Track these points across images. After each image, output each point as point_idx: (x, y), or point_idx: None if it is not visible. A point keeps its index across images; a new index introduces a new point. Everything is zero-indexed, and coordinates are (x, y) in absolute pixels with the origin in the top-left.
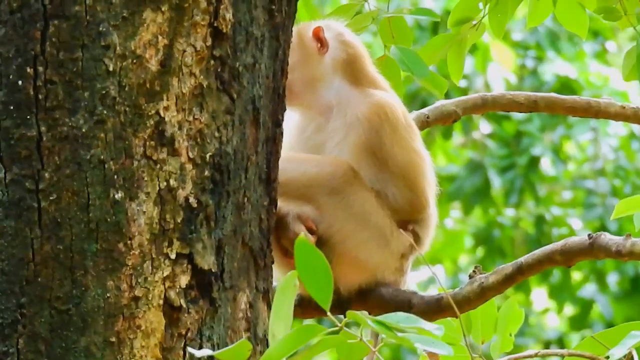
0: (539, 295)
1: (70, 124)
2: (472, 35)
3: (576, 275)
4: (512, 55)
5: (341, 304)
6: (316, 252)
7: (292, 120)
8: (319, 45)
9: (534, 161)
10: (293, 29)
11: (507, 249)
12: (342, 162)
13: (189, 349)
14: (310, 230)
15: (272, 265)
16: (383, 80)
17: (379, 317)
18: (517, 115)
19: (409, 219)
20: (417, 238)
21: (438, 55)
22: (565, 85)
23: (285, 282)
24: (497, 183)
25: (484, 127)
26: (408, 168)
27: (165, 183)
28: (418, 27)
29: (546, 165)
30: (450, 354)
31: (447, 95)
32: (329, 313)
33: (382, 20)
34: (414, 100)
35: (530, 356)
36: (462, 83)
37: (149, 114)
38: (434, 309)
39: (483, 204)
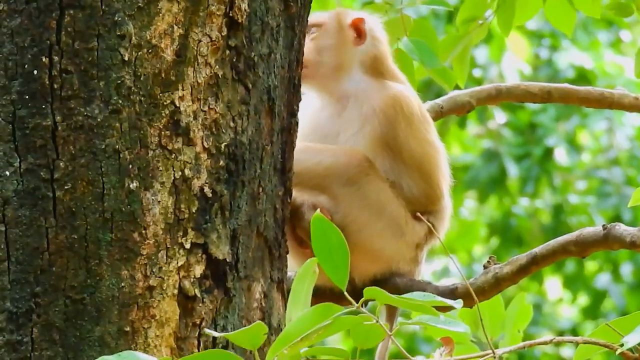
0: (553, 284)
1: (85, 113)
2: (477, 34)
3: (590, 265)
4: (527, 44)
5: (356, 294)
6: (333, 227)
7: (304, 103)
8: (356, 36)
9: (549, 151)
10: (332, 12)
11: (524, 239)
12: (357, 152)
13: (206, 330)
14: None
15: (287, 256)
16: (402, 75)
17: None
18: (531, 106)
19: (423, 210)
20: (433, 228)
21: (448, 55)
22: (581, 75)
23: (304, 269)
24: (513, 171)
25: (499, 116)
26: (423, 160)
27: (180, 173)
28: (434, 16)
29: (560, 155)
30: (467, 331)
31: (459, 87)
32: (345, 292)
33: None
34: (429, 89)
35: (546, 343)
36: (477, 73)
37: (164, 103)
38: (448, 299)
39: (498, 193)
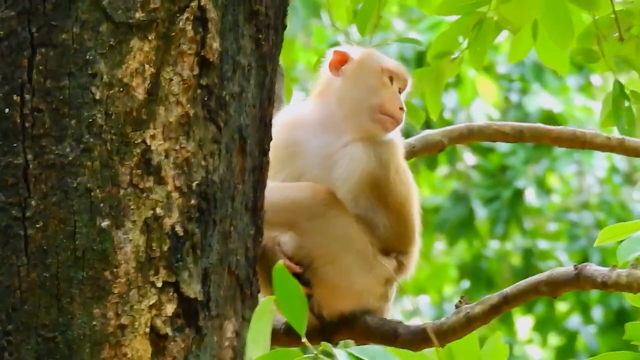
0: (523, 325)
1: (57, 151)
2: (450, 69)
3: (561, 307)
4: (496, 89)
5: (327, 332)
6: (291, 279)
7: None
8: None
9: (519, 194)
10: (367, 53)
11: (494, 281)
12: (321, 187)
13: None
14: (290, 258)
15: (259, 294)
16: None
17: (355, 349)
18: (501, 148)
19: (393, 249)
20: (401, 265)
21: (418, 88)
22: (550, 119)
23: (261, 307)
24: (481, 214)
25: (469, 158)
26: (405, 204)
27: (151, 211)
28: (402, 59)
29: (531, 197)
30: None
31: (431, 127)
32: (304, 338)
33: None
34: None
35: None
36: (446, 115)
37: (136, 142)
38: (420, 339)
39: (468, 236)
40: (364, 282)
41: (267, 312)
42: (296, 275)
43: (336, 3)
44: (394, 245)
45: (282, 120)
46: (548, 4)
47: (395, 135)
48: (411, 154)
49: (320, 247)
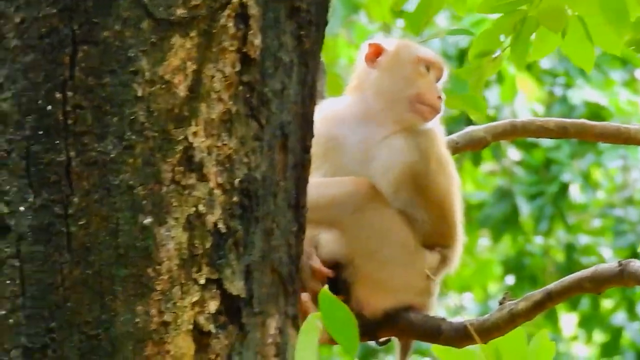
0: (568, 321)
1: (99, 149)
2: (490, 68)
3: (606, 303)
4: (537, 86)
5: (370, 329)
6: (339, 303)
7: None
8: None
9: (564, 189)
10: (403, 44)
11: (537, 277)
12: (362, 180)
13: None
14: (324, 261)
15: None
16: None
17: None
18: (545, 143)
19: (435, 244)
20: (445, 258)
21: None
22: (595, 112)
23: (307, 325)
24: (525, 210)
25: (513, 154)
26: (447, 196)
27: (194, 208)
28: (444, 56)
29: (575, 193)
30: None
31: (474, 124)
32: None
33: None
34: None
35: None
36: (490, 112)
37: (178, 139)
38: (463, 336)
39: (512, 231)
40: (406, 278)
41: (313, 328)
42: (333, 278)
43: (375, 2)
44: (436, 239)
45: (319, 116)
46: None
47: (435, 125)
48: (454, 150)
49: (361, 242)
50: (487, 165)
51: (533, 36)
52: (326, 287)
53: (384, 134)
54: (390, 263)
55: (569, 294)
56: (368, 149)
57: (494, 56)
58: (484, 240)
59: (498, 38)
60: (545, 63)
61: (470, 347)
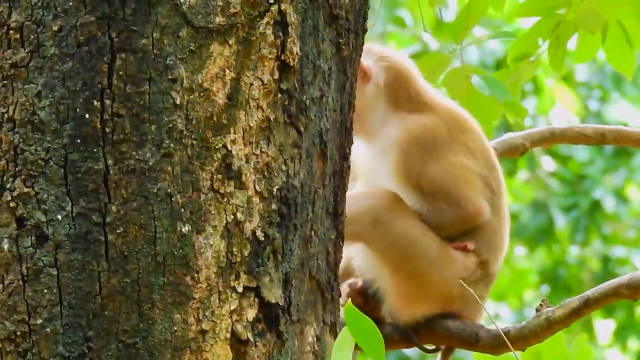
0: (603, 329)
1: (137, 157)
2: (527, 71)
3: None
4: (575, 97)
5: (409, 337)
6: (363, 317)
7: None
8: (362, 74)
9: (596, 204)
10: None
11: (573, 287)
12: (382, 191)
13: None
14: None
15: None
16: (433, 96)
17: None
18: (579, 157)
19: (461, 232)
20: (480, 258)
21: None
22: None
23: (341, 339)
24: (560, 222)
25: (547, 164)
26: (446, 184)
27: (232, 216)
28: (482, 65)
29: (610, 204)
30: None
31: (511, 130)
32: None
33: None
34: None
35: None
36: (527, 122)
37: (216, 147)
38: (500, 343)
39: (547, 242)
40: (436, 284)
41: (348, 342)
42: (365, 289)
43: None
44: (455, 228)
45: None
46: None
47: (419, 119)
48: None
49: (386, 255)
50: (522, 174)
51: (573, 41)
52: (350, 300)
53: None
54: (418, 273)
55: (606, 301)
56: (374, 156)
57: (531, 59)
58: (520, 250)
59: (536, 41)
60: (580, 75)
61: (513, 354)
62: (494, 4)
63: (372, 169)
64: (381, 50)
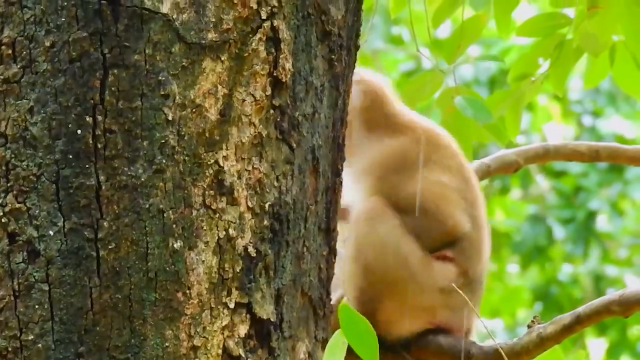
0: (596, 347)
1: (129, 173)
2: (530, 90)
3: (634, 330)
4: (566, 118)
5: (400, 353)
6: (359, 316)
7: None
8: None
9: (592, 216)
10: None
11: (565, 306)
12: (367, 204)
13: None
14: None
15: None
16: (408, 117)
17: None
18: (574, 169)
19: (440, 245)
20: (460, 268)
21: (497, 111)
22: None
23: (333, 341)
24: (559, 234)
25: (542, 182)
26: (423, 201)
27: (224, 232)
28: (476, 82)
29: (602, 221)
30: None
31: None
32: None
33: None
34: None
35: None
36: (520, 139)
37: (208, 163)
38: (493, 359)
39: (540, 260)
40: (420, 298)
41: (339, 344)
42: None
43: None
44: (436, 239)
45: None
46: (632, 19)
47: (390, 142)
48: (487, 173)
49: (370, 270)
50: (516, 193)
51: (583, 63)
52: (345, 299)
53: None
54: (402, 288)
55: (597, 318)
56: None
57: (533, 79)
58: (513, 267)
59: (537, 61)
60: (574, 94)
61: None
62: (499, 26)
63: (349, 190)
64: (360, 73)
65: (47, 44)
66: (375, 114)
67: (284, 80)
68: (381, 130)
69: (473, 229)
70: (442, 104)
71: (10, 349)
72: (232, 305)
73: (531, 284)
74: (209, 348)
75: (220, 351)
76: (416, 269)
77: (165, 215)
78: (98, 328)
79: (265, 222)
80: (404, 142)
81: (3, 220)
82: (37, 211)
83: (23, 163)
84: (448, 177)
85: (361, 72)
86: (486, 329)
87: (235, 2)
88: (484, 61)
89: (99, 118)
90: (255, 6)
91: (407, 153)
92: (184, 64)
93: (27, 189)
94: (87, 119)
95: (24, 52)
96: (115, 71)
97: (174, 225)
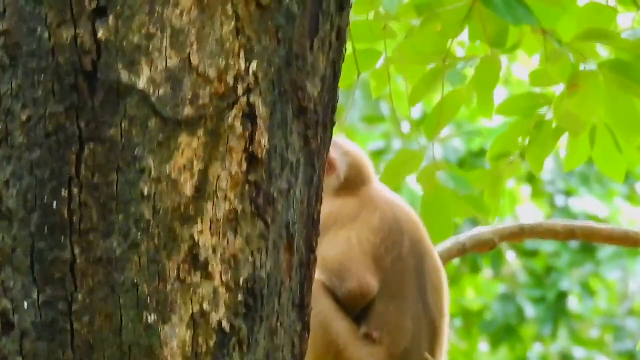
0: None
1: (104, 246)
2: (509, 170)
3: None
4: (538, 200)
5: None
6: None
7: None
8: (327, 166)
9: (562, 296)
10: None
11: None
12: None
13: None
14: None
15: None
16: (375, 188)
17: None
18: (546, 249)
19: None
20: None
21: (476, 190)
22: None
23: None
24: (530, 313)
25: (514, 262)
26: (336, 260)
27: (198, 307)
28: (446, 162)
29: (574, 302)
30: None
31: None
32: None
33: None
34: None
35: None
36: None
37: (183, 237)
38: None
39: (510, 339)
40: None
41: None
42: None
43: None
44: (351, 304)
45: None
46: (612, 100)
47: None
48: (462, 251)
49: (311, 352)
50: (487, 272)
51: (563, 145)
52: None
53: None
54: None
55: None
56: None
57: (511, 159)
58: (483, 346)
59: (516, 141)
60: (546, 175)
61: None
62: (481, 108)
63: None
64: (346, 145)
65: (24, 118)
66: (353, 185)
67: (259, 156)
68: (344, 194)
69: (394, 300)
70: (423, 180)
71: None
72: None
73: None
74: None
75: None
76: (346, 355)
77: (139, 289)
78: None
79: (240, 298)
80: (345, 202)
81: None
82: (12, 283)
83: None
84: (370, 239)
85: (347, 144)
86: None
87: (212, 78)
88: (463, 137)
89: (75, 192)
90: (231, 82)
91: (337, 212)
92: (160, 139)
93: (2, 261)
94: (63, 192)
95: (0, 126)
96: (92, 145)
97: (149, 299)
